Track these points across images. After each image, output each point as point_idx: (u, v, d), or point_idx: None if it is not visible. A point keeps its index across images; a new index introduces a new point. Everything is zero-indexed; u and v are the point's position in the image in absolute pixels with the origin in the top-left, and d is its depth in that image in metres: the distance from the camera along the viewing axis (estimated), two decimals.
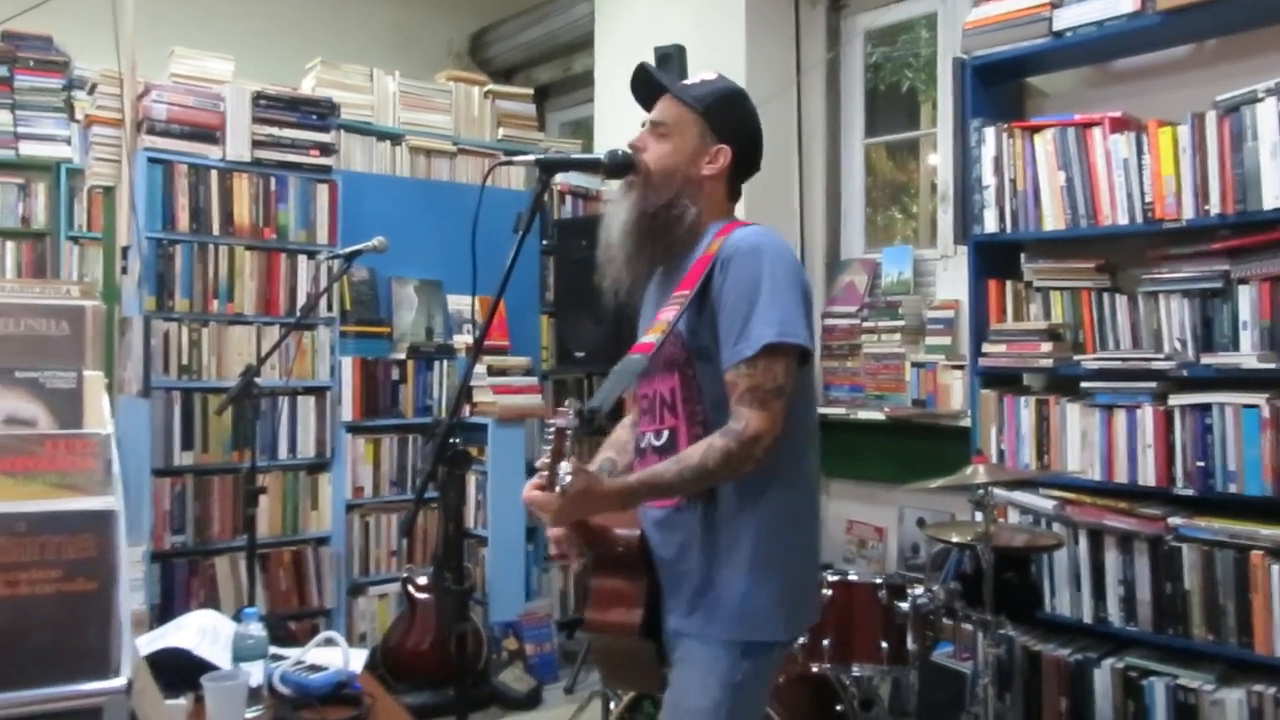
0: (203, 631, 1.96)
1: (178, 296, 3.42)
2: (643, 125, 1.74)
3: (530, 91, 4.57)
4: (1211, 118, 2.60)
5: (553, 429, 1.43)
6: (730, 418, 1.55)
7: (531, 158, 1.64)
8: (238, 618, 1.95)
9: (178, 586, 3.39)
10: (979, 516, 3.00)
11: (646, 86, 1.73)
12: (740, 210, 1.82)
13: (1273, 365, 2.51)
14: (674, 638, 1.68)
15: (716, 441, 1.53)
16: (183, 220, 3.43)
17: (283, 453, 3.60)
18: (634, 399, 1.81)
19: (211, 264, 3.48)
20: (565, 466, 1.42)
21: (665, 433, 1.69)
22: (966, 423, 3.35)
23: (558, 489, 1.42)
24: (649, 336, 1.62)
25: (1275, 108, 2.47)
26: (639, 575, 1.68)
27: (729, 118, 1.71)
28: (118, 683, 1.10)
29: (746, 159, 1.73)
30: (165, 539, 3.37)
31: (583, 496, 1.48)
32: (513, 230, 1.52)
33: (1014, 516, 3.02)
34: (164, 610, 3.27)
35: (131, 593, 2.75)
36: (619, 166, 1.66)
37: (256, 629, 1.86)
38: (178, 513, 3.40)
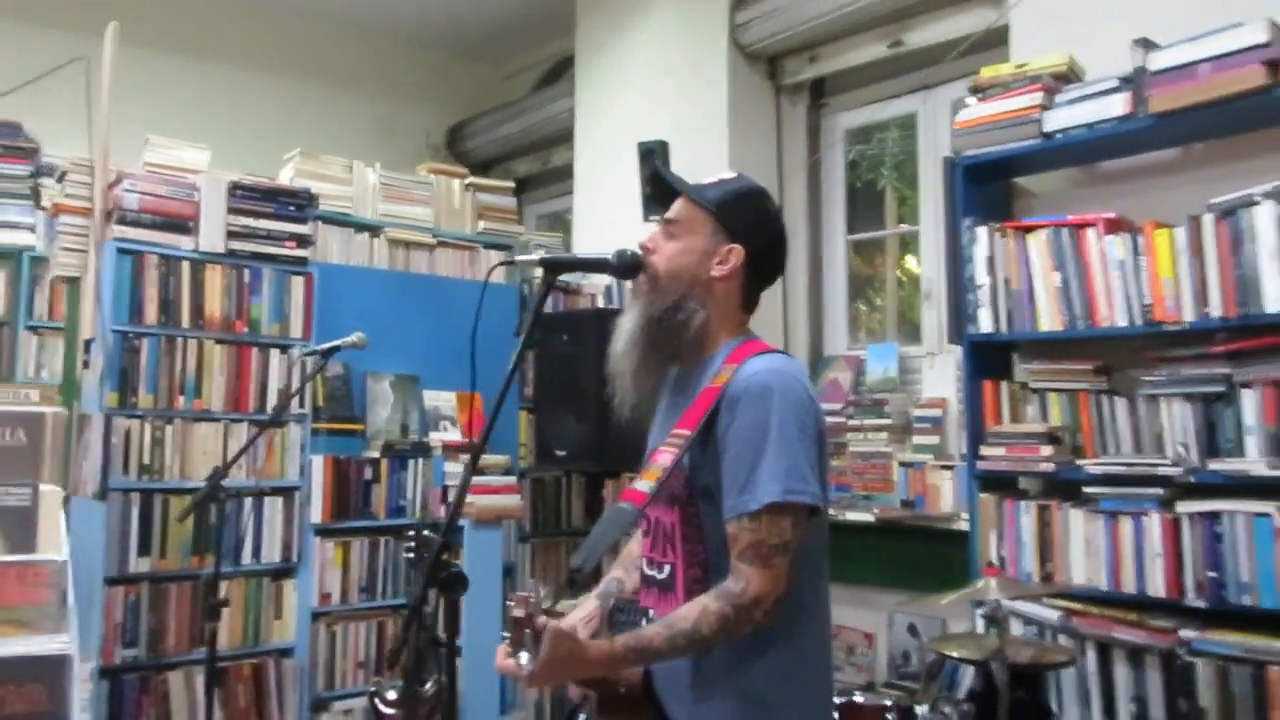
0: None
1: (142, 392, 3.26)
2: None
3: (511, 184, 4.53)
4: (1208, 220, 2.58)
5: (511, 616, 1.39)
6: (730, 573, 1.44)
7: (537, 257, 1.55)
8: None
9: (127, 705, 3.14)
10: (980, 627, 2.89)
11: (661, 188, 1.66)
12: None
13: None
14: None
15: (712, 605, 1.43)
16: (150, 312, 3.30)
17: (246, 557, 3.40)
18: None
19: (179, 358, 3.34)
20: (525, 658, 1.37)
21: (666, 567, 1.58)
22: (959, 525, 3.26)
23: (524, 672, 1.38)
24: (641, 483, 1.51)
25: (1273, 211, 2.46)
26: (643, 714, 1.57)
27: (742, 216, 1.61)
28: None
29: (763, 262, 1.62)
30: (116, 653, 3.14)
31: (563, 663, 1.40)
32: (514, 334, 1.42)
33: (1016, 628, 2.89)
34: None
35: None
36: (627, 267, 1.58)
37: None
38: (130, 624, 3.18)
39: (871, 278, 4.40)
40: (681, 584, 1.53)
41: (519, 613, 1.38)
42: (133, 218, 3.28)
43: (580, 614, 1.68)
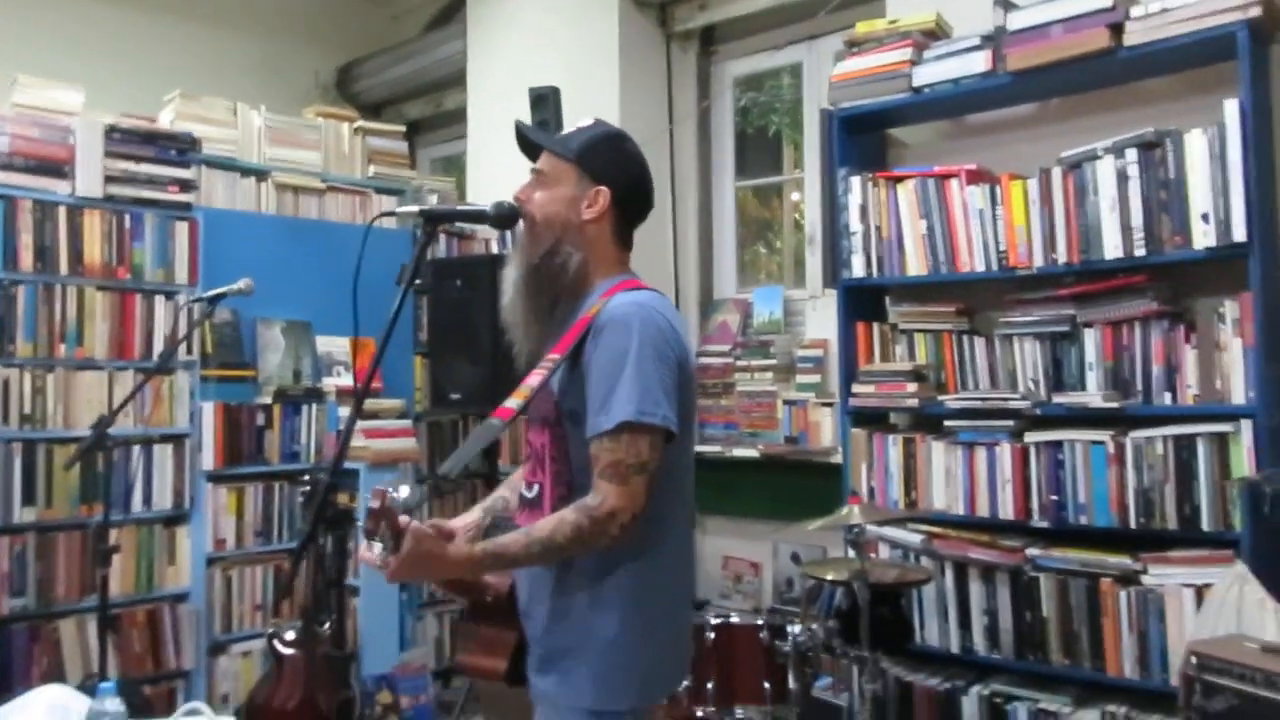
0: (52, 709, 1.82)
1: (20, 340, 3.19)
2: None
3: (402, 129, 4.50)
4: (1057, 173, 2.78)
5: (368, 507, 1.49)
6: (591, 491, 1.55)
7: (416, 209, 1.62)
8: (88, 689, 1.83)
9: (17, 655, 3.13)
10: (852, 554, 3.10)
11: (525, 143, 1.73)
12: None
13: (1116, 404, 2.69)
14: (533, 693, 1.68)
15: (569, 516, 1.53)
16: (26, 259, 3.21)
17: (137, 505, 3.39)
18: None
19: (59, 305, 3.27)
20: (378, 549, 1.49)
21: (535, 486, 1.69)
22: (837, 459, 3.45)
23: (378, 563, 1.50)
24: (511, 401, 1.61)
25: (1113, 165, 2.67)
26: (509, 623, 1.68)
27: (604, 160, 1.69)
28: None
29: (630, 200, 1.71)
30: (3, 603, 3.11)
31: (422, 560, 1.51)
32: (396, 282, 1.49)
33: (884, 551, 3.12)
34: (1, 682, 3.02)
35: None
36: (505, 218, 1.65)
37: (113, 704, 1.74)
38: (17, 574, 3.15)
39: (770, 221, 4.54)
40: (549, 502, 1.63)
41: (374, 504, 1.47)
42: (3, 161, 3.18)
43: (463, 521, 1.77)
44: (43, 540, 3.22)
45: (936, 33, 3.08)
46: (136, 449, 3.37)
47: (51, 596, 3.22)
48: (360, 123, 4.28)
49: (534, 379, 1.60)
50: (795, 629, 2.61)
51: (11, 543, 3.16)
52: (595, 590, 1.61)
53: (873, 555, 3.04)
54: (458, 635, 1.79)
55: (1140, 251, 2.63)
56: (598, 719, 1.60)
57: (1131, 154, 2.64)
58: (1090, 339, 2.79)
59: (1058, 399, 2.80)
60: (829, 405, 3.71)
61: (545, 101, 4.04)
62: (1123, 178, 2.66)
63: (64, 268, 3.29)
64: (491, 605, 1.69)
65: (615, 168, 1.70)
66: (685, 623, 1.74)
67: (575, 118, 4.35)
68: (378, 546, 1.48)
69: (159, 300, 3.49)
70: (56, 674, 3.12)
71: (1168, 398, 2.67)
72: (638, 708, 1.63)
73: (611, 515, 1.51)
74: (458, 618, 1.79)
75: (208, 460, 3.54)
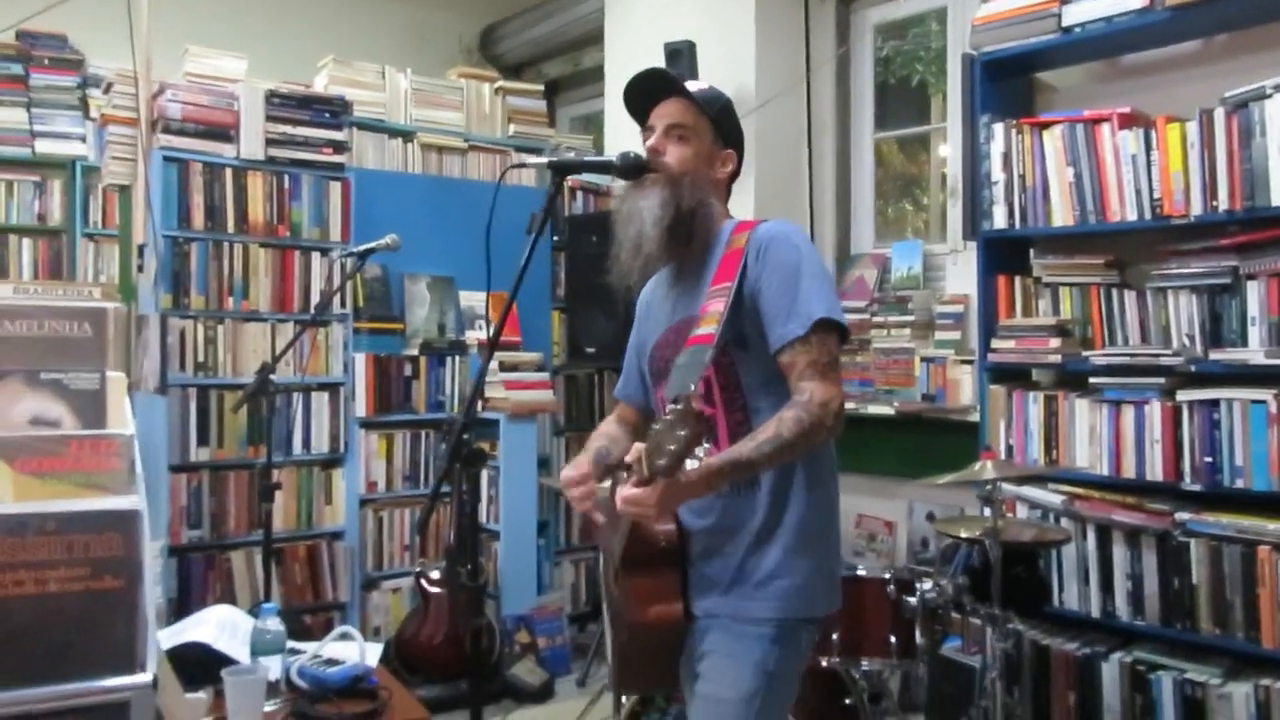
0: (222, 626, 2.00)
1: (193, 294, 3.46)
2: (647, 128, 1.75)
3: (541, 88, 4.59)
4: (1220, 114, 2.60)
5: (678, 409, 1.31)
6: (793, 394, 1.57)
7: (545, 160, 1.66)
8: (254, 612, 2.00)
9: (194, 580, 3.44)
10: (987, 512, 3.03)
11: (655, 88, 1.75)
12: (750, 205, 1.87)
13: None
14: (703, 622, 1.68)
15: (788, 414, 1.54)
16: (198, 218, 3.47)
17: (297, 448, 3.64)
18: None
19: (226, 261, 3.52)
20: (702, 451, 1.34)
21: None
22: (976, 418, 3.36)
23: (688, 468, 1.35)
24: (704, 328, 1.62)
25: None
26: (675, 567, 1.68)
27: (732, 126, 1.78)
28: (144, 678, 1.13)
29: (739, 165, 1.81)
30: (182, 534, 3.42)
31: (677, 485, 1.44)
32: (526, 232, 1.54)
33: (1022, 511, 3.03)
34: (181, 604, 3.32)
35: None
36: (632, 168, 1.68)
37: (275, 624, 1.90)
38: (194, 508, 3.45)
39: (917, 177, 4.41)
40: (724, 430, 1.67)
41: (698, 405, 1.33)
42: (176, 127, 3.43)
43: (578, 467, 1.77)
44: (215, 478, 3.50)
45: None
46: (297, 395, 3.61)
47: (223, 529, 3.51)
48: (501, 83, 4.39)
49: (716, 305, 1.62)
50: (924, 585, 2.58)
51: (188, 479, 3.45)
52: (784, 501, 1.64)
53: (1009, 514, 2.96)
54: (617, 596, 1.76)
55: None
56: (786, 629, 1.62)
57: None
58: (1254, 292, 2.61)
59: (1215, 355, 2.64)
60: (969, 363, 3.60)
61: (680, 56, 4.04)
62: None
63: (231, 226, 3.53)
64: (664, 550, 1.66)
65: (738, 134, 1.80)
66: (839, 542, 1.78)
67: (710, 70, 4.33)
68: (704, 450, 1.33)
69: (315, 257, 3.71)
70: (228, 600, 3.40)
71: None
72: (818, 617, 1.68)
73: (825, 405, 1.54)
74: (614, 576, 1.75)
75: (360, 408, 3.76)
